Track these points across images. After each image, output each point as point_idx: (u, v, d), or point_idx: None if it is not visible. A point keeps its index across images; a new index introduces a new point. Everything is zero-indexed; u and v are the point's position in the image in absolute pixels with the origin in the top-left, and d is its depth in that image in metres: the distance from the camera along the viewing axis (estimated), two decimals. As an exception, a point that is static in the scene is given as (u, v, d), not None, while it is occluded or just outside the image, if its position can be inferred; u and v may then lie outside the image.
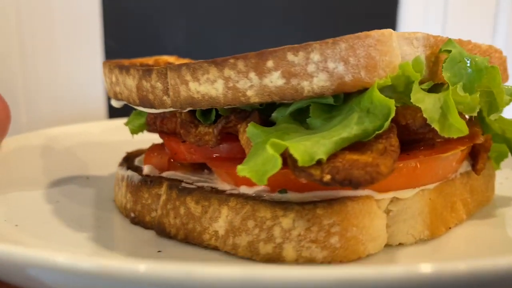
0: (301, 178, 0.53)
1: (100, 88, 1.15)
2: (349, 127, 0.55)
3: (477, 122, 0.70)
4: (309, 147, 0.52)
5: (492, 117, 0.68)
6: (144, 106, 0.71)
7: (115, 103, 0.80)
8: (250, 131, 0.59)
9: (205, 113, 0.70)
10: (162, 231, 0.69)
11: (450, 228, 0.67)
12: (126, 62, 0.83)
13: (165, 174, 0.76)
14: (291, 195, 0.61)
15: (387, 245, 0.63)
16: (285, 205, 0.58)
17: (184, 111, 0.68)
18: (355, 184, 0.49)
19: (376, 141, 0.55)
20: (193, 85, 0.61)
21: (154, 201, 0.72)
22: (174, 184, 0.70)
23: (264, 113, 0.65)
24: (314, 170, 0.52)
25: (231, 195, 0.63)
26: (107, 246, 0.64)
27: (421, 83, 0.61)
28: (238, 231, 0.60)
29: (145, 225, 0.72)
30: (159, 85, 0.66)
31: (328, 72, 0.55)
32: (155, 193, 0.72)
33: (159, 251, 0.63)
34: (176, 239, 0.67)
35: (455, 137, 0.54)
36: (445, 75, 0.60)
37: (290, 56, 0.55)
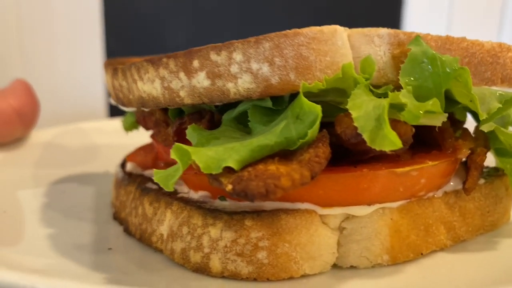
0: (213, 185, 0.50)
1: (100, 87, 1.18)
2: (273, 134, 0.50)
3: (467, 134, 0.60)
4: (220, 153, 0.49)
5: (484, 128, 0.57)
6: (120, 104, 0.72)
7: (112, 101, 0.82)
8: (188, 133, 0.57)
9: (179, 113, 0.69)
10: (127, 229, 0.69)
11: (422, 254, 0.58)
12: (126, 61, 0.85)
13: (147, 172, 0.77)
14: (229, 203, 0.57)
15: (338, 267, 0.57)
16: (215, 213, 0.55)
17: (145, 109, 0.67)
18: (249, 196, 0.45)
19: (304, 151, 0.50)
20: (140, 84, 0.61)
21: (128, 198, 0.72)
22: (141, 183, 0.70)
23: (222, 114, 0.62)
24: (224, 179, 0.48)
25: (176, 198, 0.61)
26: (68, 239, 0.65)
27: (383, 85, 0.54)
28: (175, 237, 0.59)
29: (121, 221, 0.74)
30: (124, 84, 0.66)
31: (252, 74, 0.50)
32: (129, 191, 0.72)
33: (109, 249, 0.64)
34: (136, 238, 0.67)
35: (387, 150, 0.46)
36: (401, 78, 0.51)
37: (214, 56, 0.51)
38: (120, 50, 1.07)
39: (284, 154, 0.51)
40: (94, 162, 0.98)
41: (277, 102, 0.54)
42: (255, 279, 0.53)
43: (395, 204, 0.56)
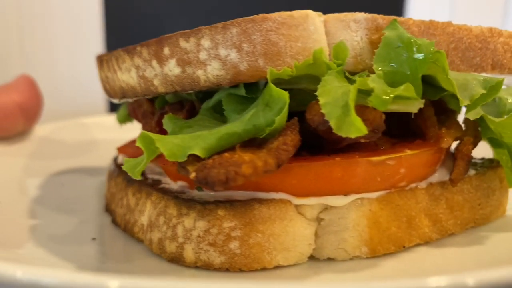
0: (180, 173, 0.49)
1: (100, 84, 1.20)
2: (242, 122, 0.49)
3: (453, 123, 0.57)
4: (186, 141, 0.48)
5: (470, 116, 0.55)
6: (108, 96, 0.72)
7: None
8: (164, 123, 0.56)
9: (165, 103, 0.69)
10: (114, 220, 0.70)
11: (404, 247, 0.56)
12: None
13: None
14: (206, 193, 0.56)
15: (315, 258, 0.55)
16: (190, 203, 0.55)
17: (127, 100, 0.67)
18: (210, 184, 0.44)
19: (275, 139, 0.49)
20: (119, 74, 0.61)
21: (117, 189, 0.73)
22: (128, 174, 0.70)
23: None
24: (190, 167, 0.48)
25: (156, 189, 0.61)
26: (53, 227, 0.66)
27: (361, 71, 0.52)
28: (153, 227, 0.58)
29: (111, 213, 0.74)
30: (109, 75, 0.67)
31: (220, 60, 0.50)
32: (118, 182, 0.73)
33: (93, 239, 0.64)
34: (121, 229, 0.67)
35: (353, 137, 0.44)
36: (375, 63, 0.50)
37: (183, 43, 0.51)
38: (120, 47, 1.08)
39: (257, 142, 0.50)
40: (94, 156, 0.99)
41: (251, 90, 0.53)
42: (227, 269, 0.53)
43: (374, 195, 0.54)
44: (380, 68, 0.49)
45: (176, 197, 0.57)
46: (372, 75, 0.47)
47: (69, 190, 0.84)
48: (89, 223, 0.70)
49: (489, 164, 0.66)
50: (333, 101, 0.46)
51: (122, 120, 0.85)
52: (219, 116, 0.56)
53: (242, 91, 0.53)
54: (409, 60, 0.49)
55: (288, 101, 0.47)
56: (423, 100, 0.50)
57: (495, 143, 0.63)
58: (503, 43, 0.61)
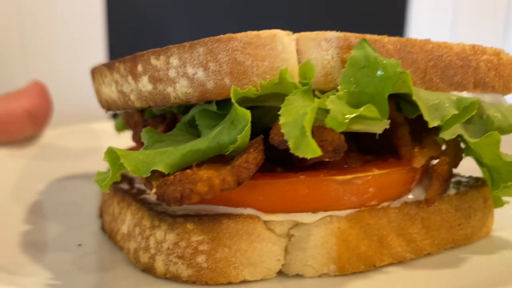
0: (147, 188, 0.51)
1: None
2: (207, 139, 0.50)
3: (430, 142, 0.57)
4: (151, 157, 0.49)
5: (444, 136, 0.54)
6: (101, 106, 0.74)
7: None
8: (142, 136, 0.58)
9: (153, 115, 0.71)
10: (103, 227, 0.72)
11: (375, 266, 0.56)
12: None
13: (124, 172, 0.79)
14: (180, 207, 0.58)
15: (284, 274, 0.56)
16: (161, 216, 0.56)
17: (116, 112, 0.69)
18: (166, 200, 0.45)
19: (240, 156, 0.50)
20: (103, 88, 0.63)
21: (108, 197, 0.75)
22: (116, 183, 0.72)
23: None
24: (154, 182, 0.49)
25: (137, 200, 0.62)
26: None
27: (331, 90, 0.52)
28: (130, 236, 0.60)
29: (102, 219, 0.76)
30: (98, 87, 0.69)
31: (188, 78, 0.51)
32: (110, 190, 0.75)
33: (79, 245, 0.66)
34: (107, 235, 0.69)
35: (308, 157, 0.44)
36: (341, 84, 0.50)
37: (154, 61, 0.52)
38: (123, 49, 1.11)
39: (227, 158, 0.51)
40: (99, 161, 1.01)
41: (223, 106, 0.54)
42: (194, 282, 0.54)
43: (343, 213, 0.54)
44: (344, 89, 0.49)
45: (151, 209, 0.58)
46: (331, 96, 0.47)
47: (69, 194, 0.87)
48: (79, 228, 0.72)
49: (474, 183, 0.64)
50: (293, 121, 0.46)
51: (120, 128, 0.88)
52: (194, 130, 0.58)
53: (214, 107, 0.54)
54: (375, 80, 0.49)
55: (250, 119, 0.48)
56: (388, 121, 0.49)
57: (478, 162, 0.62)
58: (486, 61, 0.59)
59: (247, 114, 0.48)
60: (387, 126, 0.50)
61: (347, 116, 0.45)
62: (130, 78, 0.56)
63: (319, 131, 0.46)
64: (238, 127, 0.49)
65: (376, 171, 0.53)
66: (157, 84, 0.53)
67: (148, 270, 0.57)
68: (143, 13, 1.37)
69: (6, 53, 1.29)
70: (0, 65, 1.28)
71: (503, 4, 1.33)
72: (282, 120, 0.47)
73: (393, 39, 0.55)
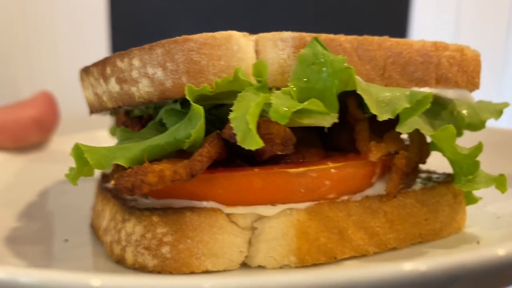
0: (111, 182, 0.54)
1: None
2: (165, 135, 0.53)
3: (391, 136, 0.58)
4: (112, 152, 0.53)
5: (400, 129, 0.55)
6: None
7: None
8: (116, 134, 0.62)
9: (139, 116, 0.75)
10: (91, 224, 0.76)
11: (336, 258, 0.57)
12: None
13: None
14: (150, 201, 0.61)
15: (248, 266, 0.58)
16: (131, 210, 0.59)
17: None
18: (119, 190, 0.48)
19: (197, 150, 0.52)
20: (84, 91, 0.67)
21: (96, 195, 0.79)
22: (102, 181, 0.76)
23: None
24: (115, 175, 0.52)
25: (114, 196, 0.66)
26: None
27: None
28: (107, 230, 0.63)
29: (91, 217, 0.80)
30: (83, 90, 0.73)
31: (149, 78, 0.54)
32: (97, 189, 0.79)
33: (66, 240, 0.70)
34: (94, 231, 0.73)
35: (252, 149, 0.47)
36: (291, 81, 0.52)
37: (119, 63, 0.56)
38: (126, 48, 1.16)
39: (187, 155, 0.54)
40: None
41: (186, 105, 0.57)
42: (159, 272, 0.56)
43: (302, 205, 0.56)
44: (295, 85, 0.51)
45: (124, 204, 0.61)
46: (276, 91, 0.49)
47: (69, 198, 0.91)
48: (71, 226, 0.76)
49: (444, 179, 0.65)
50: (241, 116, 0.49)
51: (113, 132, 0.92)
52: (164, 129, 0.61)
53: (178, 106, 0.57)
54: (323, 77, 0.51)
55: (203, 115, 0.51)
56: (336, 115, 0.51)
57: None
58: (448, 57, 0.60)
59: (201, 110, 0.51)
60: (336, 121, 0.52)
61: (285, 109, 0.47)
62: (101, 81, 0.59)
63: (264, 124, 0.49)
64: (194, 123, 0.52)
65: (331, 164, 0.55)
66: (122, 84, 0.56)
67: (120, 261, 0.60)
68: (147, 15, 1.41)
69: (8, 53, 1.34)
70: (4, 69, 1.34)
71: (506, 4, 1.32)
72: (231, 115, 0.49)
73: (350, 37, 0.57)
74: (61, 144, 1.12)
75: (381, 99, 0.52)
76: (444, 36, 1.34)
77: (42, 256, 0.63)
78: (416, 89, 0.59)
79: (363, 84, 0.52)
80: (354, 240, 0.58)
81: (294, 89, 0.51)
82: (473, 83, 0.62)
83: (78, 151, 0.53)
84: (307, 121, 0.50)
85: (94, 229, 0.72)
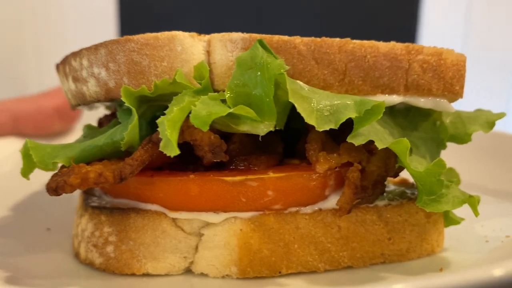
0: (56, 179, 0.55)
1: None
2: (104, 136, 0.53)
3: (346, 148, 0.53)
4: (56, 150, 0.54)
5: (351, 140, 0.51)
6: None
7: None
8: (83, 131, 0.63)
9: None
10: (78, 215, 0.78)
11: (280, 273, 0.54)
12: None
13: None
14: (112, 200, 0.61)
15: (191, 272, 0.56)
16: (87, 207, 0.60)
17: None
18: (47, 190, 0.49)
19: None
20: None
21: None
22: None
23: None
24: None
25: (84, 191, 0.67)
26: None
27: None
28: (73, 225, 0.65)
29: None
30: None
31: (95, 78, 0.54)
32: None
33: (48, 229, 0.73)
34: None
35: (171, 156, 0.45)
36: (228, 85, 0.49)
37: (73, 62, 0.57)
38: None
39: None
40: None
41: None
42: (104, 270, 0.57)
43: (246, 215, 0.54)
44: (229, 91, 0.49)
45: (85, 200, 0.62)
46: (203, 97, 0.47)
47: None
48: (59, 218, 0.79)
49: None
50: (166, 121, 0.47)
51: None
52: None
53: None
54: (260, 82, 0.48)
55: (137, 118, 0.50)
56: (272, 123, 0.48)
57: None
58: (421, 61, 0.54)
59: (134, 112, 0.50)
60: (272, 129, 0.49)
61: (206, 115, 0.45)
62: (64, 79, 0.61)
63: (189, 130, 0.47)
64: (129, 125, 0.51)
65: (271, 174, 0.52)
66: (76, 83, 0.57)
67: (76, 255, 0.61)
68: (157, 14, 1.42)
69: (18, 52, 1.40)
70: (13, 66, 1.41)
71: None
72: (159, 119, 0.48)
73: (307, 39, 0.53)
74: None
75: (325, 108, 0.48)
76: (453, 42, 1.24)
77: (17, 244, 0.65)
78: (381, 96, 0.54)
79: (303, 91, 0.49)
80: (302, 255, 0.55)
81: (228, 93, 0.49)
82: (452, 91, 0.56)
83: (26, 148, 0.54)
84: (244, 128, 0.48)
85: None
